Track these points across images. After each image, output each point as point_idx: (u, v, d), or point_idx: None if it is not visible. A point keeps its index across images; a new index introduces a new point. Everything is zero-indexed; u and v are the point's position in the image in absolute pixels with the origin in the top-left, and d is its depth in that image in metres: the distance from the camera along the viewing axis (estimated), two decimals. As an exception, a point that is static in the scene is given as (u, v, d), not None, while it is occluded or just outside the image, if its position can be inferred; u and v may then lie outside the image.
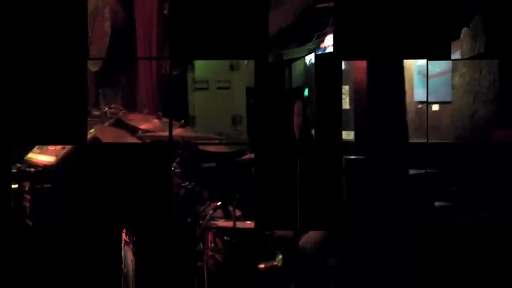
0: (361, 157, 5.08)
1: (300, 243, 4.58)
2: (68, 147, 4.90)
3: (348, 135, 6.75)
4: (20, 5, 4.37)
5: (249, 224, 4.65)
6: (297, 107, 4.66)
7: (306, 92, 8.24)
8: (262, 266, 4.36)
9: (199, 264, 4.53)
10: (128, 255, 4.60)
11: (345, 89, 8.05)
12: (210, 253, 4.45)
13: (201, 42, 4.43)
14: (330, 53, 4.96)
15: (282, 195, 4.54)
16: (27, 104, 4.30)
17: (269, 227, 4.47)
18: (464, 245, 4.77)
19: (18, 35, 4.36)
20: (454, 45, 7.16)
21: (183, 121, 4.94)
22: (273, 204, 4.53)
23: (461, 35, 6.88)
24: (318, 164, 4.56)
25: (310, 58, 8.56)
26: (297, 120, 4.64)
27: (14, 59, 4.37)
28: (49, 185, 4.91)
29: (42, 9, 4.36)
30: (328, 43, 8.82)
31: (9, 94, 4.33)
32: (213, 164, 5.06)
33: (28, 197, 4.98)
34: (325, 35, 9.00)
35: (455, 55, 7.42)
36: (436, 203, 5.23)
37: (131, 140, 4.99)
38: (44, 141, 4.53)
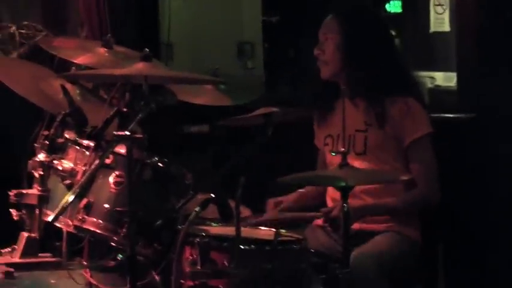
0: (471, 115, 4.04)
1: (354, 256, 3.20)
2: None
3: (446, 79, 5.02)
4: None
5: (267, 231, 3.23)
6: (323, 32, 3.57)
7: (397, 7, 6.16)
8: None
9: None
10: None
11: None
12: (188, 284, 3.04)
13: None
14: None
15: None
16: None
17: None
18: None
19: None
20: None
21: (147, 50, 3.28)
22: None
23: None
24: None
25: None
26: (316, 51, 3.59)
27: None
28: None
29: None
30: None
31: None
32: (204, 127, 3.65)
33: None
34: None
35: None
36: None
37: (56, 83, 3.47)
38: None
